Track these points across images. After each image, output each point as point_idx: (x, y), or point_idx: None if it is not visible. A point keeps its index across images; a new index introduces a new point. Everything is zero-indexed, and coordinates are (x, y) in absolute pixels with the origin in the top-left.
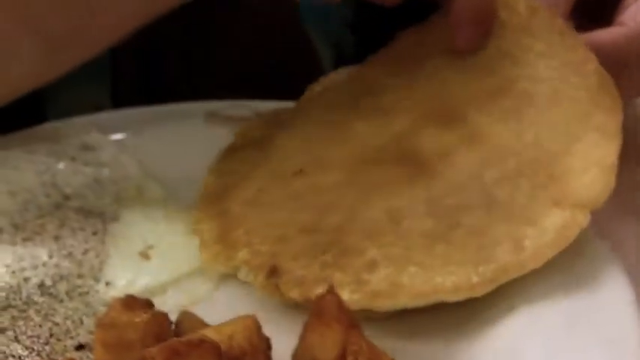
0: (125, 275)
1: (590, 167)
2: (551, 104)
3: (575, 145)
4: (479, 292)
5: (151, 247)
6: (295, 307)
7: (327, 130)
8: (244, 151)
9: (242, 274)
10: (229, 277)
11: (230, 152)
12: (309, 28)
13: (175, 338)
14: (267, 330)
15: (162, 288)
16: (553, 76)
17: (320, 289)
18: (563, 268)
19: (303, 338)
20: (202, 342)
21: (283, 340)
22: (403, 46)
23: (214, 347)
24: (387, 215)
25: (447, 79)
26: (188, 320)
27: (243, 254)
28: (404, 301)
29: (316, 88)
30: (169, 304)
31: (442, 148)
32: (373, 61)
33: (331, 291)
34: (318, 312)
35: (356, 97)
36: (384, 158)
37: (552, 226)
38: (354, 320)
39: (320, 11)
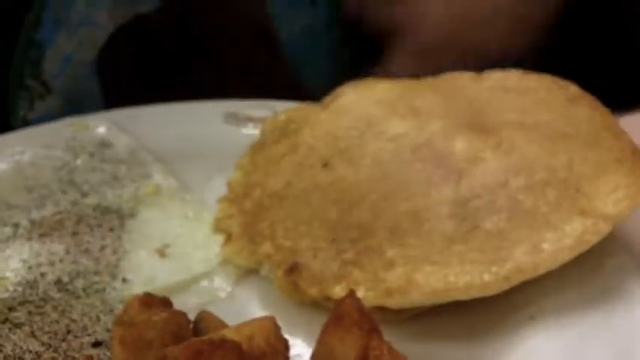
0: (142, 273)
1: (618, 188)
2: (588, 144)
3: (605, 173)
4: (492, 291)
5: (167, 245)
6: (313, 306)
7: (356, 126)
8: (270, 147)
9: (264, 270)
10: (246, 277)
11: (256, 149)
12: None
13: (197, 338)
14: (285, 331)
15: (180, 286)
16: (591, 129)
17: (338, 288)
18: (584, 280)
19: (321, 341)
20: (224, 342)
21: (300, 341)
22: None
23: (236, 347)
24: (411, 215)
25: (486, 98)
26: (206, 319)
27: (266, 247)
28: (416, 298)
29: (344, 89)
30: (187, 303)
31: (473, 154)
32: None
33: (352, 294)
34: (338, 315)
35: (388, 98)
36: (413, 159)
37: (573, 231)
38: (375, 324)
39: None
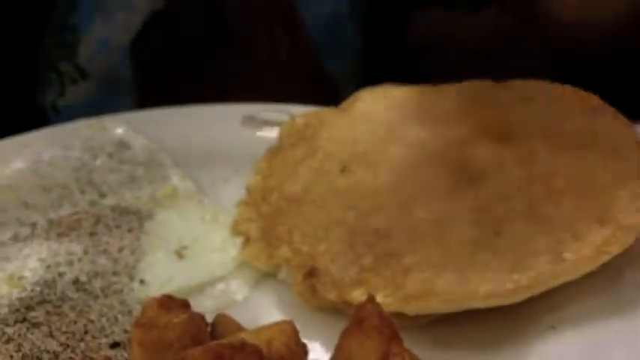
0: (160, 275)
1: (638, 198)
2: (608, 154)
3: (625, 184)
4: (513, 300)
5: (185, 247)
6: (330, 311)
7: (375, 131)
8: (287, 151)
9: (282, 274)
10: (263, 281)
11: (273, 152)
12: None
13: (216, 341)
14: (302, 335)
15: (197, 289)
16: (611, 140)
17: (357, 292)
18: (605, 290)
19: (341, 346)
20: (245, 346)
21: (318, 346)
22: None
23: (257, 352)
24: (431, 222)
25: (507, 106)
26: (224, 323)
27: (284, 251)
28: (435, 305)
29: (362, 94)
30: (203, 306)
31: (496, 162)
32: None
33: (372, 299)
34: (358, 320)
35: (407, 104)
36: (433, 165)
37: (594, 241)
38: (395, 330)
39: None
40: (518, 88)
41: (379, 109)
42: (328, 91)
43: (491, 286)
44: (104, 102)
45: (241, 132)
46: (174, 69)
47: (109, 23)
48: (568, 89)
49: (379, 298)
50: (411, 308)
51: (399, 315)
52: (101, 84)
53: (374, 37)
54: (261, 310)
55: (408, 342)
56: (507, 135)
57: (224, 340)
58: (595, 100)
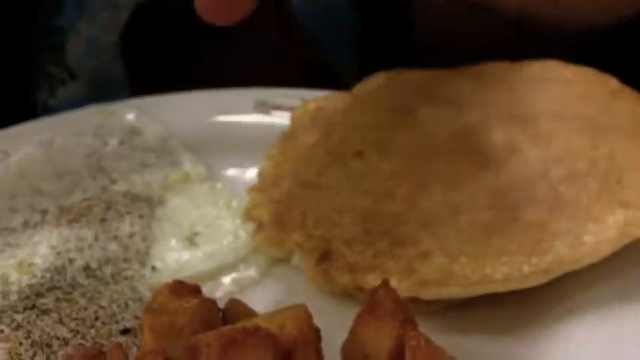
0: (172, 261)
1: None
2: (629, 136)
3: None
4: (530, 284)
5: (197, 233)
6: (343, 296)
7: (389, 115)
8: (300, 136)
9: (295, 260)
10: (276, 266)
11: (286, 138)
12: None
13: (229, 326)
14: (315, 321)
15: (209, 275)
16: (632, 122)
17: (371, 277)
18: (625, 273)
19: (354, 331)
20: (258, 330)
21: (330, 331)
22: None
23: (270, 336)
24: (447, 206)
25: (525, 88)
26: (236, 308)
27: (296, 236)
28: (452, 290)
29: (375, 78)
30: (215, 292)
31: (513, 145)
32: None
33: (386, 284)
34: (372, 305)
35: (422, 87)
36: (448, 149)
37: (615, 224)
38: (410, 315)
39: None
40: (534, 69)
41: (393, 93)
42: (326, 78)
43: (508, 269)
44: (97, 101)
45: (253, 117)
46: (165, 62)
47: (95, 23)
48: (586, 70)
49: (394, 283)
50: (427, 293)
51: (414, 300)
52: (92, 84)
53: (373, 21)
54: (274, 296)
55: (422, 327)
56: (524, 117)
57: (237, 325)
58: (614, 81)
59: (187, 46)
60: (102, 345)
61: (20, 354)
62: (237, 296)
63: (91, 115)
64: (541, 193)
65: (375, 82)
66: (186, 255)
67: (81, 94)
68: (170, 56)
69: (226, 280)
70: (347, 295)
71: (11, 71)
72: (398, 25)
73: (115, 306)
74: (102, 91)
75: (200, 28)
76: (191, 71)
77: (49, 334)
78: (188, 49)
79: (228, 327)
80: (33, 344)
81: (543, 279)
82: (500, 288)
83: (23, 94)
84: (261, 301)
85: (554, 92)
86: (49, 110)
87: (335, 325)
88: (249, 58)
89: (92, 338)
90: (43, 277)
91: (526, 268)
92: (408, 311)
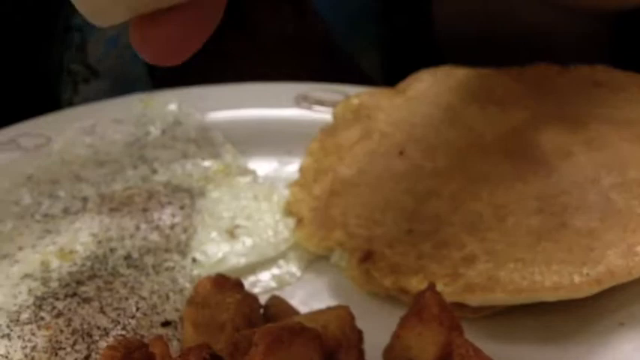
0: (212, 253)
1: None
2: None
3: None
4: (581, 294)
5: (237, 226)
6: (384, 297)
7: (434, 113)
8: (342, 133)
9: (335, 257)
10: (315, 263)
11: (327, 133)
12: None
13: (274, 324)
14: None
15: (249, 269)
16: None
17: (415, 280)
18: None
19: (398, 335)
20: (304, 330)
21: (371, 333)
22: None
23: (316, 336)
24: (492, 209)
25: (574, 91)
26: (278, 305)
27: (338, 235)
28: (499, 296)
29: (419, 75)
30: (254, 286)
31: (562, 148)
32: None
33: (432, 288)
34: (417, 309)
35: (468, 86)
36: (495, 150)
37: None
38: (457, 321)
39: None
40: (583, 72)
41: (439, 91)
42: (346, 69)
43: (558, 278)
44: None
45: (294, 111)
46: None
47: None
48: (636, 76)
49: (439, 287)
50: (473, 299)
51: (459, 305)
52: (115, 82)
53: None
54: (313, 293)
55: (466, 334)
56: (574, 121)
57: (282, 323)
58: None
59: (208, 40)
60: (142, 336)
61: (60, 342)
62: (276, 292)
63: (131, 103)
64: (591, 200)
65: (420, 79)
66: (226, 247)
67: (104, 92)
68: None
69: (266, 275)
70: (388, 296)
71: (35, 70)
72: (418, 17)
73: (155, 297)
74: (124, 89)
75: (220, 22)
76: (212, 66)
77: (89, 323)
78: (208, 43)
79: (274, 325)
80: (74, 332)
81: (595, 290)
82: (549, 297)
83: (47, 93)
84: (301, 298)
85: (604, 97)
86: None
87: (375, 325)
88: (269, 49)
89: (133, 329)
90: (83, 265)
91: (577, 278)
92: (455, 317)
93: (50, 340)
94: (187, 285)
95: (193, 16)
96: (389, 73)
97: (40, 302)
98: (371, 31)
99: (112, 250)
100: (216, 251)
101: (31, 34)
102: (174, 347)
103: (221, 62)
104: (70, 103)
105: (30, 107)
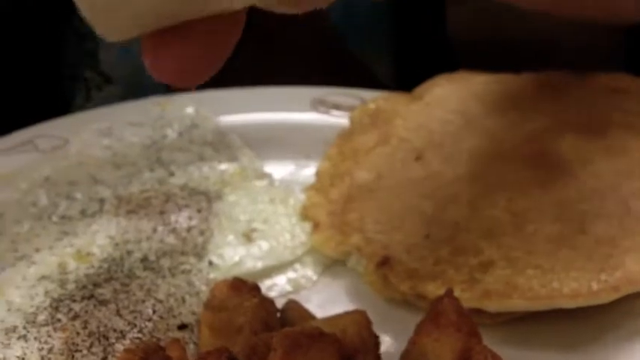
0: (228, 257)
1: None
2: None
3: None
4: (600, 301)
5: (254, 229)
6: (401, 302)
7: (452, 118)
8: (359, 137)
9: (352, 262)
10: (332, 267)
11: (344, 138)
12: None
13: (292, 328)
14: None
15: (265, 273)
16: None
17: (432, 285)
18: None
19: (414, 341)
20: (323, 335)
21: (388, 339)
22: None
23: (335, 341)
24: (511, 216)
25: (594, 98)
26: (295, 309)
27: (355, 240)
28: (517, 303)
29: (437, 80)
30: (271, 290)
31: (582, 155)
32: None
33: (450, 293)
34: (435, 315)
35: (486, 92)
36: (514, 156)
37: None
38: (474, 327)
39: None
40: (603, 80)
41: (457, 97)
42: (360, 75)
43: (577, 285)
44: None
45: (311, 115)
46: None
47: None
48: None
49: (456, 293)
50: (491, 305)
51: (476, 311)
52: (127, 89)
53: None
54: (330, 298)
55: (484, 340)
56: (594, 128)
57: (300, 328)
58: None
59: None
60: (159, 339)
61: (77, 344)
62: (292, 296)
63: (148, 106)
64: (610, 207)
65: (437, 84)
66: (242, 251)
67: (117, 98)
68: None
69: (282, 279)
70: (405, 301)
71: (48, 77)
72: (430, 18)
73: (172, 300)
74: (137, 95)
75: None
76: (225, 71)
77: (106, 325)
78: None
79: (292, 329)
80: (90, 335)
81: (613, 296)
82: (567, 304)
83: (60, 99)
84: (317, 302)
85: (623, 103)
86: None
87: (392, 331)
88: (283, 57)
89: (149, 332)
90: (100, 267)
91: (595, 285)
92: (473, 323)
93: (66, 342)
94: (203, 288)
95: (211, 32)
96: (402, 79)
97: (56, 304)
98: (383, 39)
99: (128, 253)
100: (232, 254)
101: (44, 41)
102: (191, 350)
103: (235, 70)
104: (82, 110)
105: (43, 113)
